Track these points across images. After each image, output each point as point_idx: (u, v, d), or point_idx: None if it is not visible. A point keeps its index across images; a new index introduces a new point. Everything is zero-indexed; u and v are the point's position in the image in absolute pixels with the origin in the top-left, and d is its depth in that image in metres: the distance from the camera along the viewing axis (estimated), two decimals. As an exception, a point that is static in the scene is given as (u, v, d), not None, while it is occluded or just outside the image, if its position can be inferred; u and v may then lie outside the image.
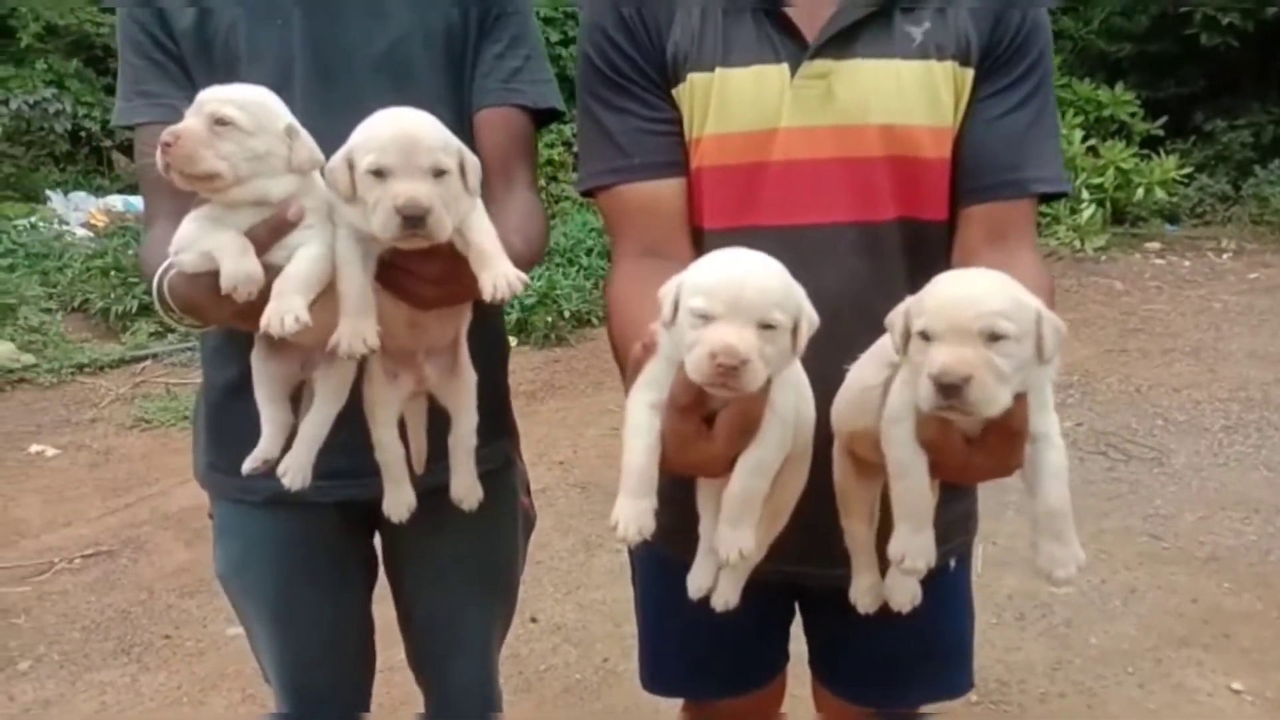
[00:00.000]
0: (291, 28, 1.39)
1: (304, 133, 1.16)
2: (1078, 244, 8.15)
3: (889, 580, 1.26)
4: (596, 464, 4.53)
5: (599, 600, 3.41)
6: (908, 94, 1.28)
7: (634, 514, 1.07)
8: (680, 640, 1.59)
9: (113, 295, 6.37)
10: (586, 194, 1.41)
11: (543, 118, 1.52)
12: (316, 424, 1.27)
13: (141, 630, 3.31)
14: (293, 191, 1.14)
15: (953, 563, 1.49)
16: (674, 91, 1.34)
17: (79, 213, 8.05)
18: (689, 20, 1.31)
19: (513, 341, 6.30)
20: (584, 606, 3.39)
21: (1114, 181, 8.64)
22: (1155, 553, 3.67)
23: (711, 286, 0.99)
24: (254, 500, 1.51)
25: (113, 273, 6.52)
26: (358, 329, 1.14)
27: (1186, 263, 8.10)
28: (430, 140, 1.10)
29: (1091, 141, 8.87)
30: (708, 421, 1.05)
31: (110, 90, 9.22)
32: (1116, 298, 7.12)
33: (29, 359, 5.73)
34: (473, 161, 1.16)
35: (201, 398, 1.57)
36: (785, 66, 1.28)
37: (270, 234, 1.11)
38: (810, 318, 1.03)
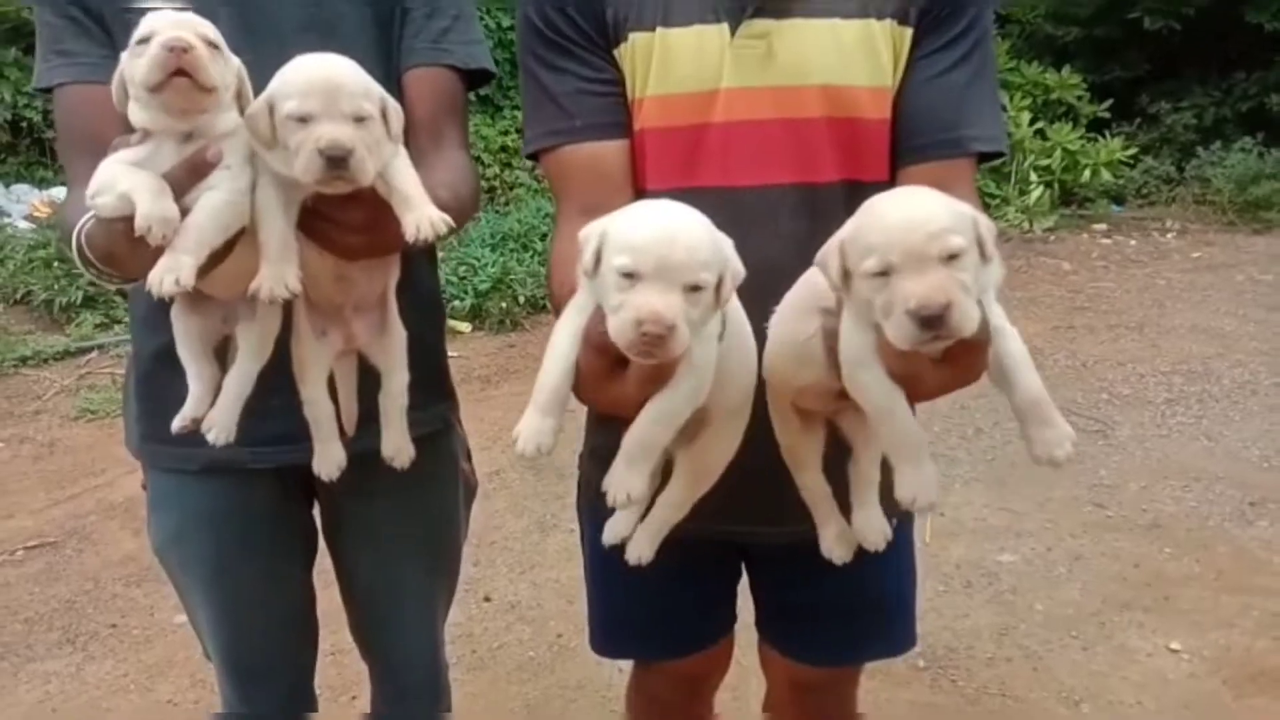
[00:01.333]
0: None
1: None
2: (1026, 225, 8.27)
3: (856, 523, 1.26)
4: (551, 446, 4.51)
5: (553, 579, 3.42)
6: (847, 54, 1.28)
7: (535, 429, 1.06)
8: (628, 603, 1.60)
9: (56, 286, 6.22)
10: (532, 157, 1.40)
11: (475, 80, 1.51)
12: (240, 380, 1.25)
13: (87, 620, 3.25)
14: (235, 128, 1.14)
15: (894, 522, 1.51)
16: (615, 52, 1.33)
17: (21, 204, 7.84)
18: None
19: (467, 327, 6.29)
20: (538, 585, 3.39)
21: (1061, 163, 8.77)
22: (1099, 521, 3.75)
23: (639, 245, 0.96)
24: (189, 469, 1.49)
25: (56, 264, 6.36)
26: (279, 274, 1.13)
27: (1132, 242, 8.24)
28: (352, 86, 1.10)
29: (1039, 124, 8.98)
30: (623, 362, 1.04)
31: (51, 79, 9.00)
32: (1064, 277, 7.23)
33: (-30, 352, 5.60)
34: (394, 107, 1.16)
35: (132, 367, 1.54)
36: (725, 26, 1.28)
37: (189, 175, 1.09)
38: (735, 271, 1.01)
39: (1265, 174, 8.77)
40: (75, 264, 1.24)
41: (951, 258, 0.94)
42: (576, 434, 4.77)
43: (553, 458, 3.83)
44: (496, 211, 7.94)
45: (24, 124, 8.97)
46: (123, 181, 1.06)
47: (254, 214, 1.13)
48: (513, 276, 6.47)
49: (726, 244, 1.02)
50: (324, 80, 1.08)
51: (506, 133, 8.97)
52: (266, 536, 1.57)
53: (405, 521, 1.61)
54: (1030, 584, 3.31)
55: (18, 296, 6.32)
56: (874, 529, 1.24)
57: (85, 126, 1.33)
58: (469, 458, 1.77)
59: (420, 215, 1.12)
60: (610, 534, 1.27)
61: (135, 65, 1.08)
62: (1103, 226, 8.62)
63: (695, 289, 0.96)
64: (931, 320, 0.92)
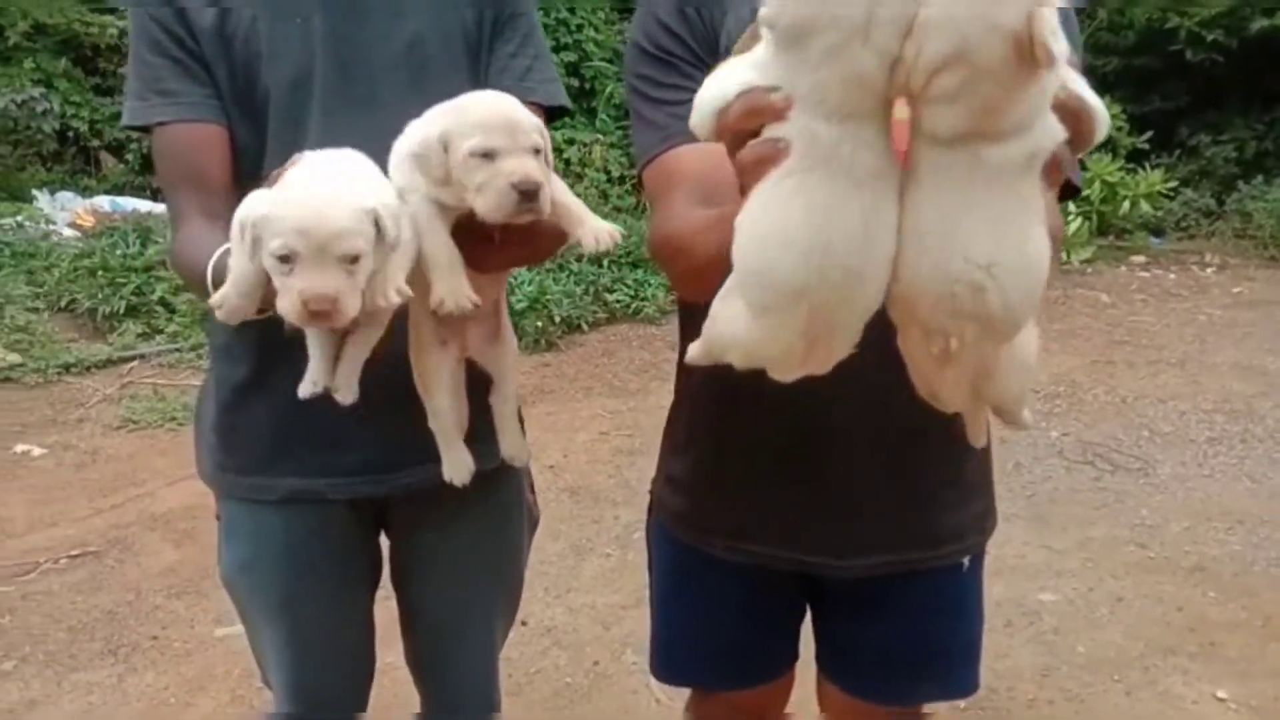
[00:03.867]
0: (312, 25, 1.39)
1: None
2: (1065, 256, 8.21)
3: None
4: (586, 468, 4.53)
5: (589, 604, 3.42)
6: None
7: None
8: (693, 629, 1.59)
9: (100, 295, 6.33)
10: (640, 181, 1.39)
11: (551, 115, 1.53)
12: (361, 346, 1.26)
13: (128, 631, 3.29)
14: None
15: (966, 562, 1.50)
16: None
17: (65, 212, 7.99)
18: (741, 11, 1.31)
19: (503, 346, 6.32)
20: (574, 610, 3.39)
21: (1100, 194, 8.72)
22: (1141, 562, 3.70)
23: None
24: (267, 500, 1.50)
25: (100, 273, 6.48)
26: (455, 287, 1.17)
27: (1172, 275, 8.17)
28: (526, 121, 1.14)
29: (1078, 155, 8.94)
30: None
31: (99, 90, 9.17)
32: (1103, 309, 7.17)
33: (15, 358, 5.69)
34: (548, 135, 1.20)
35: (209, 397, 1.55)
36: None
37: None
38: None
39: (1308, 209, 8.69)
40: (198, 296, 1.27)
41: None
42: (621, 462, 4.76)
43: (590, 483, 3.87)
44: (533, 230, 7.99)
45: (70, 133, 9.16)
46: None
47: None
48: (549, 296, 6.52)
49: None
50: (504, 116, 1.13)
51: (543, 151, 9.04)
52: (338, 566, 1.58)
53: (474, 554, 1.62)
54: (1072, 624, 3.28)
55: (62, 304, 6.43)
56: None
57: (191, 164, 1.37)
58: (533, 489, 1.78)
59: (592, 228, 1.18)
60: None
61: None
62: (1141, 259, 8.56)
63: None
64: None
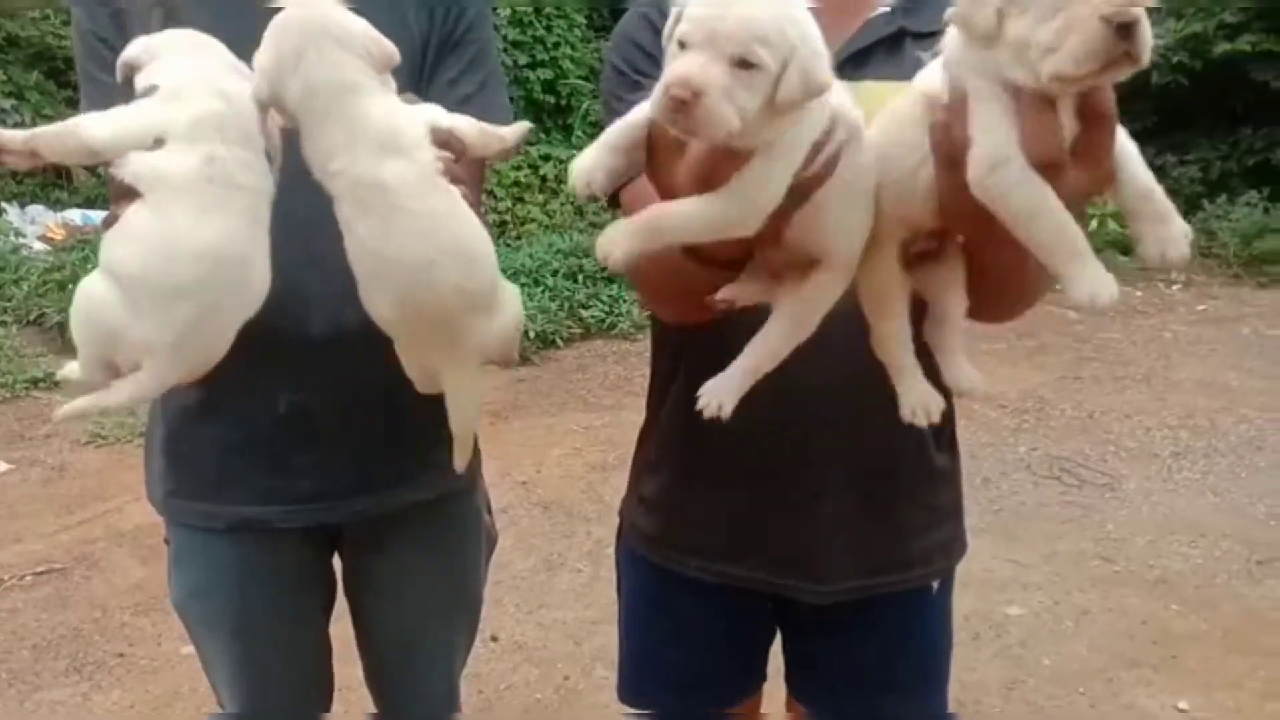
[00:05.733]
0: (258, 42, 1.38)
1: None
2: (1034, 273, 8.31)
3: (952, 374, 1.10)
4: (559, 484, 4.54)
5: (560, 620, 3.42)
6: None
7: (590, 164, 0.98)
8: (662, 652, 1.59)
9: (70, 309, 6.26)
10: (614, 203, 1.34)
11: None
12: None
13: (94, 648, 3.25)
14: None
15: (935, 585, 1.51)
16: None
17: (35, 226, 7.92)
18: None
19: (476, 361, 6.31)
20: (545, 626, 3.39)
21: (1069, 213, 8.84)
22: (1106, 575, 3.75)
23: (695, 14, 0.88)
24: (215, 527, 1.47)
25: (70, 287, 6.41)
26: None
27: (1138, 293, 8.29)
28: None
29: (1048, 174, 9.08)
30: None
31: (71, 103, 9.10)
32: (1070, 326, 7.25)
33: (-18, 372, 5.63)
34: None
35: (158, 421, 1.50)
36: None
37: None
38: (805, 66, 0.87)
39: (1270, 228, 8.84)
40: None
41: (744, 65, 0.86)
42: (594, 478, 4.75)
43: (562, 498, 3.85)
44: (508, 245, 8.02)
45: (42, 146, 9.07)
46: None
47: None
48: (524, 311, 6.51)
49: (804, 32, 0.88)
50: None
51: (519, 168, 9.07)
52: (291, 594, 1.55)
53: (430, 578, 1.60)
54: (1038, 638, 3.31)
55: (31, 318, 6.38)
56: (969, 374, 1.09)
57: None
58: (489, 510, 1.78)
59: None
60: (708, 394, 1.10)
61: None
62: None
63: (746, 64, 0.86)
64: (1128, 28, 0.81)
